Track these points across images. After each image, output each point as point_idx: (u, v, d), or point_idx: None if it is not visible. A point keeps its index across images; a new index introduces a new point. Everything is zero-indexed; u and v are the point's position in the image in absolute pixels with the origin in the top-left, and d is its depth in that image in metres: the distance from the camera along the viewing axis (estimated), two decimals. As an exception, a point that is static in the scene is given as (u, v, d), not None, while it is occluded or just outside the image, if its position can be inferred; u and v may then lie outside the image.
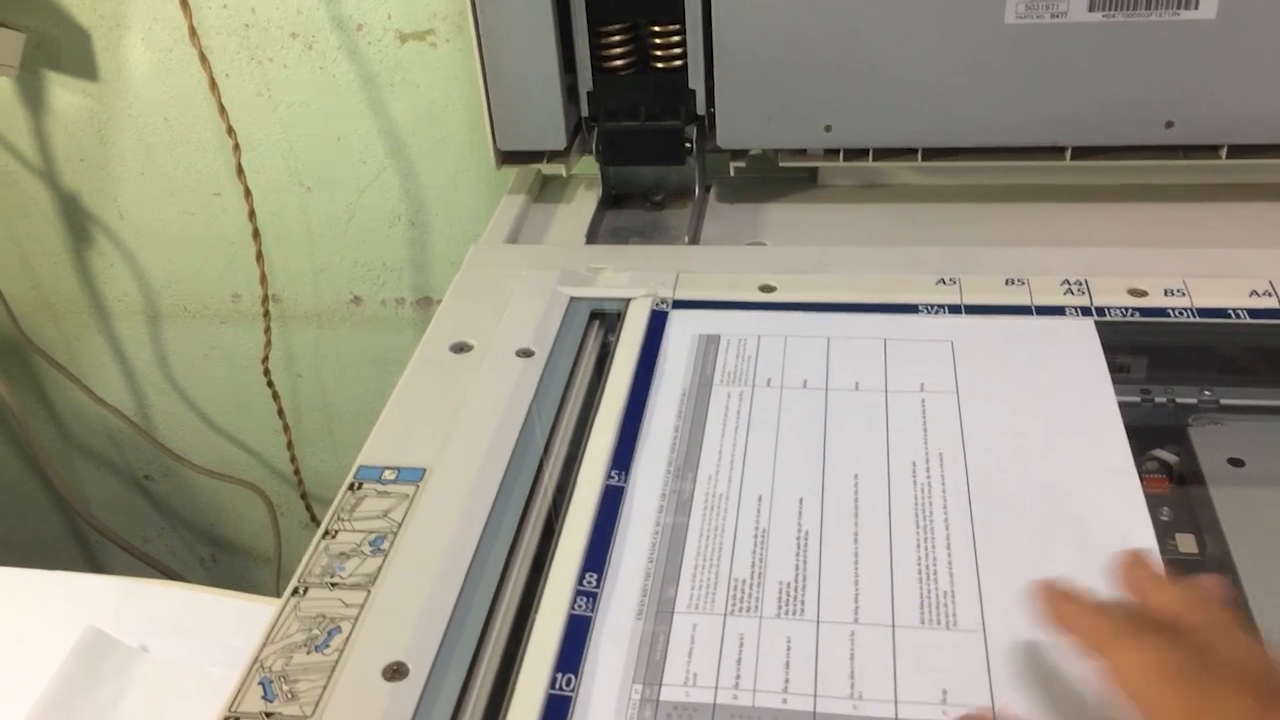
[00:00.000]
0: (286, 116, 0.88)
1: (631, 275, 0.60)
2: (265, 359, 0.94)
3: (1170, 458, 0.53)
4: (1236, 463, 0.50)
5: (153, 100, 0.88)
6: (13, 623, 0.65)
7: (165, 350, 1.04)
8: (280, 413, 1.00)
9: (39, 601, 0.67)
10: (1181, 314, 0.54)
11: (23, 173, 0.94)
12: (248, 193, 0.86)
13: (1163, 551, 0.43)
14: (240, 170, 0.84)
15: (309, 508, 1.07)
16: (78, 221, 0.97)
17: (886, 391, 0.51)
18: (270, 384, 0.96)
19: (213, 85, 0.81)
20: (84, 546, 1.22)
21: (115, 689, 0.64)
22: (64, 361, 1.03)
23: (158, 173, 0.93)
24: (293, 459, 1.03)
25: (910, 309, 0.56)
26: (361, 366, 1.02)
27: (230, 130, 0.82)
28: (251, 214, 0.87)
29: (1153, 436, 0.53)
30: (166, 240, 0.97)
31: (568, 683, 0.39)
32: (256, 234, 0.88)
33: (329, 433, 1.07)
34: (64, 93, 0.89)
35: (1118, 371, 0.52)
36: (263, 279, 0.91)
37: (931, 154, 0.65)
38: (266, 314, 0.93)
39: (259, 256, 0.89)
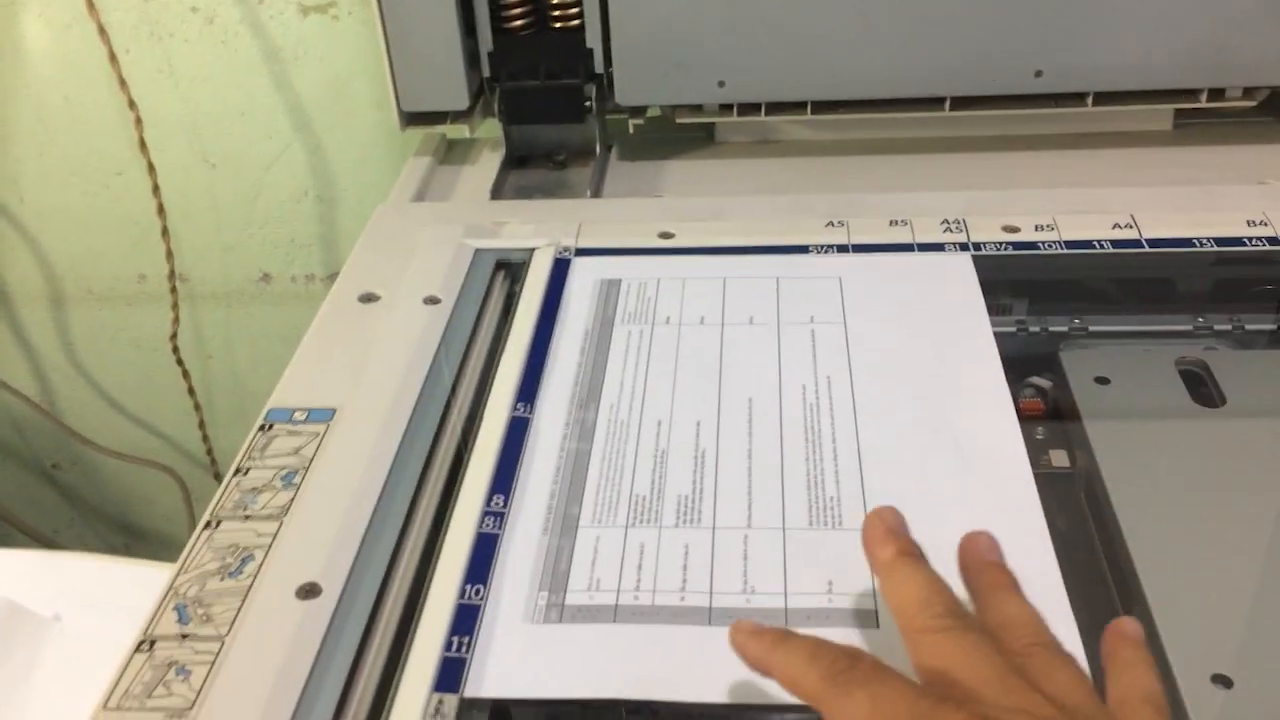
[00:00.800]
0: (189, 92, 0.87)
1: (535, 227, 0.62)
2: (174, 337, 0.94)
3: (1045, 383, 0.56)
4: (1102, 381, 0.53)
5: (51, 79, 0.88)
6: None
7: (71, 335, 1.03)
8: (191, 392, 0.99)
9: (-52, 575, 0.67)
10: (1051, 246, 0.57)
11: (-83, 155, 0.93)
12: (151, 169, 0.86)
13: (1036, 467, 0.45)
14: (143, 145, 0.84)
15: (224, 488, 1.07)
16: (-25, 205, 0.96)
17: (779, 325, 0.54)
18: (180, 363, 0.96)
19: (113, 59, 0.81)
20: (-9, 541, 1.20)
21: (29, 658, 0.64)
22: (-36, 349, 1.01)
23: (58, 153, 0.92)
24: (205, 439, 1.02)
25: (801, 249, 0.59)
26: (273, 344, 1.02)
27: (132, 104, 0.82)
28: (155, 190, 0.87)
29: (1029, 365, 0.56)
30: (69, 221, 0.96)
31: (477, 592, 0.41)
32: (161, 210, 0.88)
33: (242, 413, 1.06)
34: (-43, 72, 0.88)
35: (996, 308, 0.55)
36: (169, 256, 0.90)
37: (820, 107, 0.68)
38: (174, 291, 0.92)
39: (164, 233, 0.89)
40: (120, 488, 1.13)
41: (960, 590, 0.37)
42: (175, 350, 0.95)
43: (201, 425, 1.01)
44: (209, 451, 1.04)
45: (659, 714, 0.37)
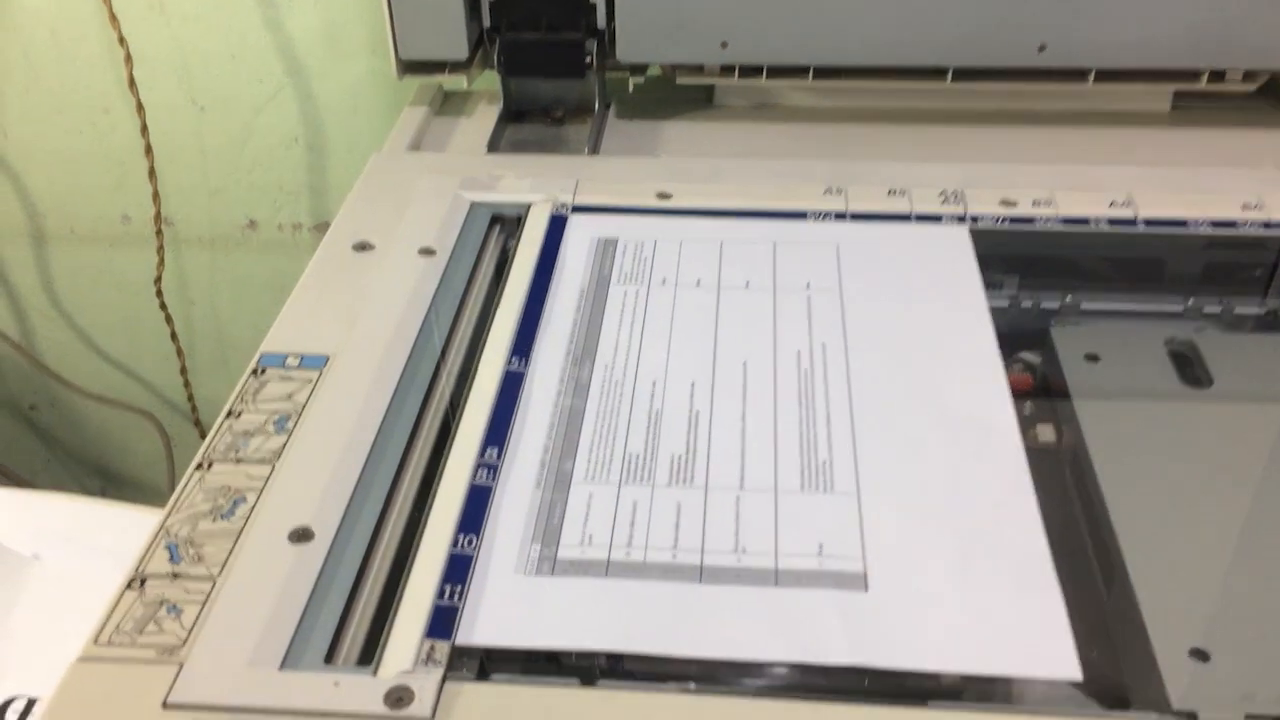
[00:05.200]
0: (180, 32, 0.86)
1: (532, 182, 0.61)
2: (158, 279, 0.93)
3: (1034, 359, 0.57)
4: (1092, 358, 0.54)
5: (38, 12, 0.86)
6: (-101, 533, 0.64)
7: (52, 275, 1.02)
8: (174, 338, 0.98)
9: (-75, 512, 0.66)
10: (1047, 222, 0.57)
11: (-102, 86, 0.91)
12: (140, 107, 0.84)
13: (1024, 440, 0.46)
14: (132, 84, 0.83)
15: (203, 435, 1.06)
16: (-42, 139, 0.94)
17: (775, 290, 0.54)
18: (164, 308, 0.95)
19: (103, -6, 0.79)
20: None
21: (8, 596, 0.63)
22: (-57, 285, 1.00)
23: (43, 89, 0.90)
24: (186, 385, 1.02)
25: (799, 215, 0.59)
26: (257, 293, 1.01)
27: (122, 41, 0.81)
28: (144, 130, 0.86)
29: (1019, 340, 0.57)
30: (53, 160, 0.94)
31: (469, 542, 0.41)
32: (149, 150, 0.86)
33: (223, 362, 1.06)
34: (-58, 1, 0.86)
35: (989, 283, 0.55)
36: (155, 197, 0.89)
37: (822, 73, 0.68)
38: (159, 233, 0.91)
39: (151, 174, 0.88)
40: (99, 432, 1.12)
41: (939, 539, 0.37)
42: (159, 294, 0.94)
43: (184, 371, 1.01)
44: (190, 398, 1.03)
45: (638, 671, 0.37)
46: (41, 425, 1.13)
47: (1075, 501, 0.48)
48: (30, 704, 0.58)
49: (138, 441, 1.11)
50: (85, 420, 1.11)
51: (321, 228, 0.96)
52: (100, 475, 1.16)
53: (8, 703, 0.57)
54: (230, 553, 0.40)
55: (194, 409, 1.05)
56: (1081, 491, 0.48)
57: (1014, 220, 0.58)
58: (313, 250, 0.96)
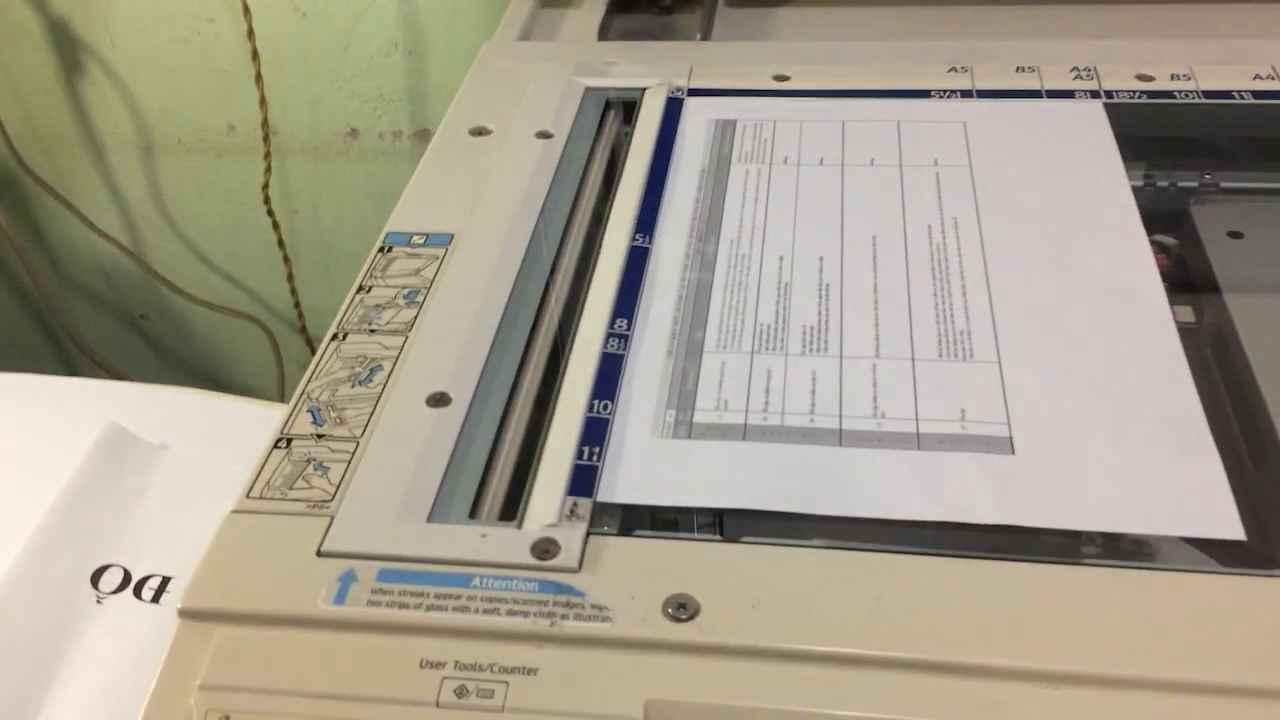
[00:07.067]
0: (282, -65, 0.86)
1: (645, 67, 0.60)
2: (265, 186, 0.94)
3: (1170, 241, 0.55)
4: (1235, 235, 0.52)
5: (142, -82, 0.87)
6: (34, 424, 0.66)
7: (160, 185, 1.04)
8: (281, 245, 1.00)
9: (59, 403, 0.68)
10: (1187, 96, 0.55)
11: (10, -3, 0.93)
12: (246, 11, 0.85)
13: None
14: (239, -14, 0.83)
15: (309, 342, 1.08)
16: (68, 49, 0.95)
17: (901, 166, 0.52)
18: (270, 213, 0.96)
19: (208, -104, 0.79)
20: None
21: (138, 483, 0.65)
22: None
23: (149, -3, 0.91)
24: (293, 292, 1.03)
25: (923, 94, 0.57)
26: (359, 202, 1.02)
27: (227, -57, 0.81)
28: (250, 34, 0.86)
29: (1155, 222, 0.55)
30: (159, 69, 0.95)
31: (605, 407, 0.41)
32: (255, 55, 0.87)
33: (326, 271, 1.07)
34: (52, -92, 0.87)
35: (1123, 161, 0.53)
36: (262, 104, 0.90)
37: (943, -48, 0.65)
38: (266, 139, 0.92)
39: (258, 79, 0.88)
40: (208, 339, 1.15)
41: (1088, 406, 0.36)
42: (267, 201, 0.95)
43: (290, 279, 1.02)
44: (296, 304, 1.05)
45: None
46: (152, 333, 1.16)
47: (1219, 381, 0.47)
48: (165, 581, 0.60)
49: (245, 348, 1.14)
50: (194, 328, 1.14)
51: (421, 134, 0.96)
52: (210, 382, 1.19)
53: (144, 579, 0.59)
54: (371, 416, 0.40)
55: (300, 315, 1.07)
56: (1226, 371, 0.47)
57: (1151, 95, 0.55)
58: (413, 157, 0.98)
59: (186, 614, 0.34)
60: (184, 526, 0.61)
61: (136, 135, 1.00)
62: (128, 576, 0.57)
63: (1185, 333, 0.49)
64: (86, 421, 0.64)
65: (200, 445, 0.68)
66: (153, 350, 1.17)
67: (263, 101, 0.90)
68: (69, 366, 1.20)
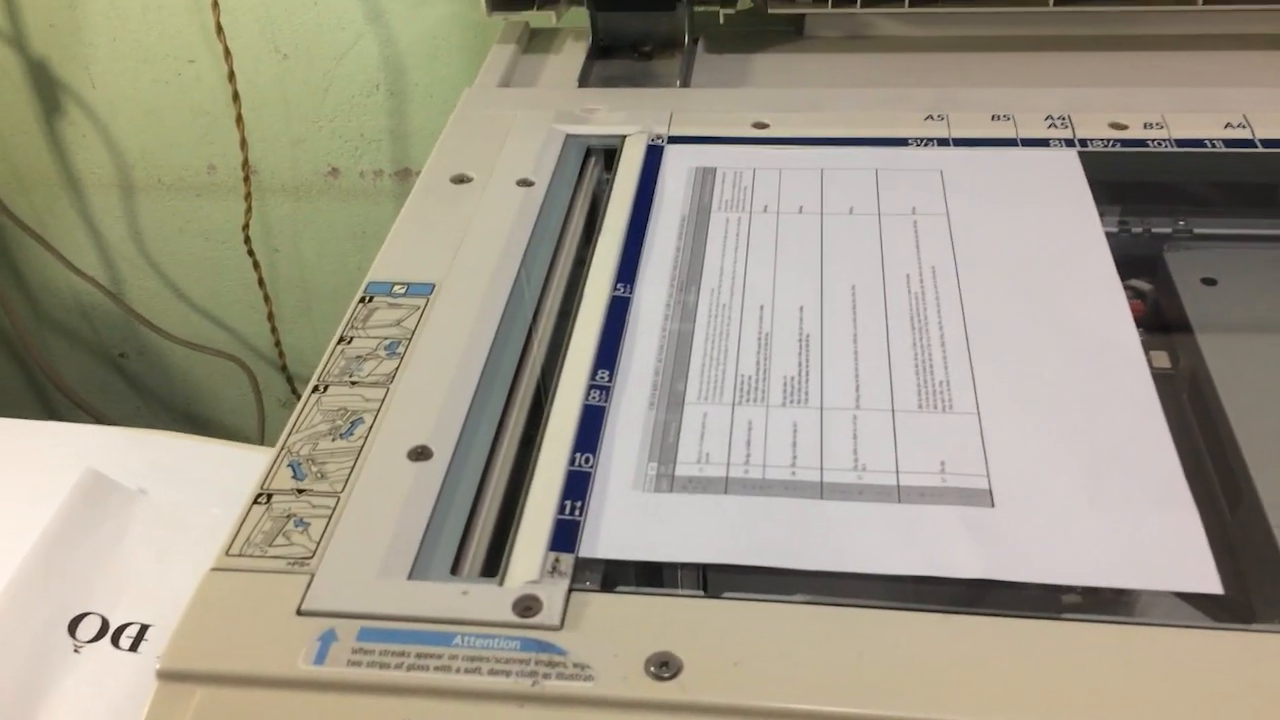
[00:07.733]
0: (264, -22, 0.86)
1: (626, 114, 0.61)
2: (246, 226, 0.94)
3: (1145, 285, 0.55)
4: (1209, 281, 0.52)
5: (124, -39, 0.87)
6: (10, 469, 0.66)
7: (140, 224, 1.03)
8: (261, 284, 1.00)
9: (36, 449, 0.68)
10: (1160, 145, 0.56)
11: (-10, 37, 0.93)
12: (227, 53, 0.85)
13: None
14: (220, 30, 0.83)
15: (290, 381, 1.08)
16: (48, 90, 0.95)
17: (879, 215, 0.53)
18: (251, 253, 0.96)
19: (190, -60, 0.80)
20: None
21: (115, 529, 0.65)
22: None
23: (130, 39, 0.91)
24: (274, 331, 1.03)
25: (900, 142, 0.57)
26: (340, 241, 1.02)
27: (209, -14, 0.81)
28: (231, 77, 0.86)
29: (1129, 267, 0.55)
30: (139, 110, 0.96)
31: (586, 460, 0.41)
32: (236, 97, 0.87)
33: (307, 309, 1.07)
34: (33, -49, 0.87)
35: (1097, 209, 0.54)
36: (243, 144, 0.90)
37: (919, 1, 0.66)
38: (247, 180, 0.92)
39: (239, 120, 0.88)
40: (187, 378, 1.14)
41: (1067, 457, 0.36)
42: (247, 240, 0.95)
43: (270, 318, 1.02)
44: (277, 343, 1.05)
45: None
46: (131, 372, 1.15)
47: (1194, 429, 0.47)
48: (143, 629, 0.59)
49: (225, 387, 1.13)
50: (174, 367, 1.13)
51: (402, 174, 0.97)
52: (189, 421, 1.18)
53: (122, 627, 0.59)
54: (352, 470, 0.40)
55: (281, 354, 1.06)
56: (1202, 419, 0.47)
57: (1125, 144, 0.56)
58: (394, 196, 0.98)
59: (165, 675, 0.34)
60: (162, 573, 0.61)
61: (116, 175, 1.00)
62: (105, 624, 0.56)
63: (1161, 378, 0.50)
64: (64, 466, 0.64)
65: (179, 490, 0.68)
66: (132, 389, 1.16)
67: (243, 143, 0.90)
68: (47, 406, 1.19)
